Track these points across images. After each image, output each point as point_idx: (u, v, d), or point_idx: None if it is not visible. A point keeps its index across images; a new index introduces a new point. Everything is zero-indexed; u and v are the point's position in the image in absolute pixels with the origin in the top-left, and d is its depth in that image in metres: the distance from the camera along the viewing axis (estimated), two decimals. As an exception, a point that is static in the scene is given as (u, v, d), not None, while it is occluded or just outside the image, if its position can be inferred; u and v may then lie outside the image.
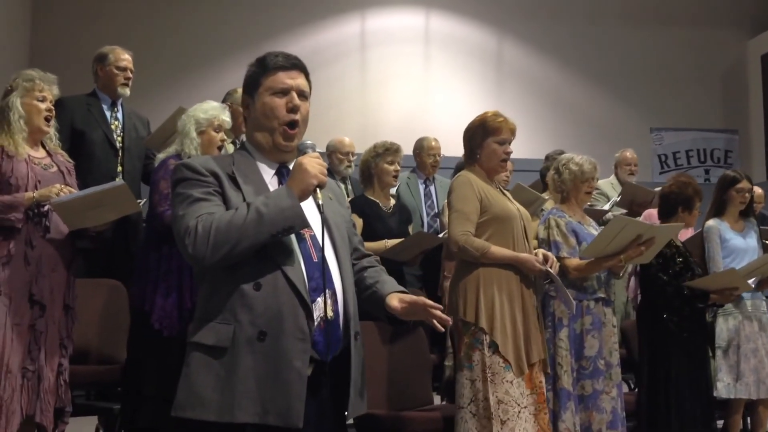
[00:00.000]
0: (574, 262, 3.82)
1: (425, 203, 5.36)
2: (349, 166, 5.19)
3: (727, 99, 9.38)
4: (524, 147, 7.73)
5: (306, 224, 1.93)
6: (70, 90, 4.23)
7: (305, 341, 1.88)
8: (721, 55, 9.35)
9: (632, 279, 5.54)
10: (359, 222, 4.10)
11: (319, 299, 1.94)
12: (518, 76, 9.04)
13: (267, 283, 1.90)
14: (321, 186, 1.96)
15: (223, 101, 4.70)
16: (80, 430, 4.08)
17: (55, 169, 3.36)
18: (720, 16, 9.40)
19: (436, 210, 5.36)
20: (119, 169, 4.34)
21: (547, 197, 4.61)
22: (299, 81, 2.08)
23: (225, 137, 3.74)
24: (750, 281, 4.21)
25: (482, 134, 3.53)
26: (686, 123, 9.25)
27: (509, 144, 3.56)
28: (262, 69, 2.07)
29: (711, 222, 4.56)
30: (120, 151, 4.38)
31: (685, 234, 4.87)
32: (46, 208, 3.22)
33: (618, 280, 4.08)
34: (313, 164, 1.95)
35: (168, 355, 3.32)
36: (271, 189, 2.02)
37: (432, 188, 5.48)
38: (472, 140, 3.57)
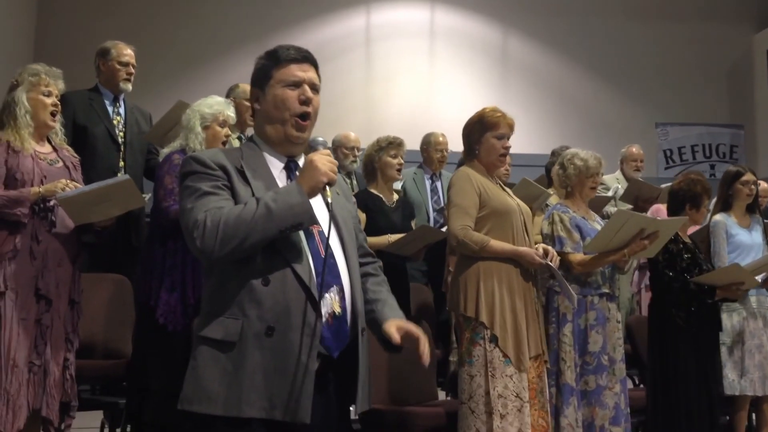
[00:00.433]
0: (578, 257, 3.82)
1: (431, 198, 5.36)
2: (354, 161, 5.19)
3: (733, 94, 9.35)
4: (529, 142, 7.75)
5: (314, 221, 1.93)
6: (75, 85, 4.22)
7: (313, 337, 1.88)
8: (726, 50, 9.32)
9: (636, 274, 5.54)
10: (362, 217, 4.10)
11: (327, 295, 1.94)
12: (523, 71, 9.03)
13: (275, 278, 1.90)
14: (331, 184, 1.95)
15: (227, 96, 4.70)
16: (86, 425, 4.10)
17: (60, 164, 3.37)
18: (726, 11, 9.36)
19: (443, 205, 5.36)
20: (121, 164, 4.34)
21: (552, 193, 4.61)
22: (311, 74, 2.07)
23: (229, 132, 3.74)
24: (757, 277, 4.20)
25: (480, 129, 3.54)
26: (692, 118, 9.23)
27: (508, 139, 3.57)
28: (273, 61, 2.06)
29: (718, 217, 4.55)
30: (122, 146, 4.38)
31: (691, 231, 4.87)
32: (51, 202, 3.22)
33: (623, 275, 4.08)
34: (324, 161, 1.94)
35: (173, 349, 3.34)
36: (280, 184, 2.02)
37: (438, 184, 5.48)
38: (470, 136, 3.58)
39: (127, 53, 4.50)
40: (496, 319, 3.34)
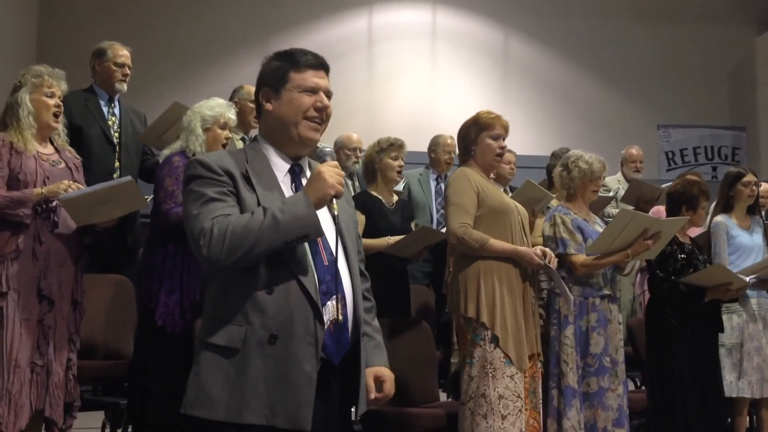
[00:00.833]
0: (581, 258, 3.82)
1: (436, 200, 5.36)
2: (357, 162, 5.19)
3: (735, 96, 9.34)
4: (530, 143, 7.75)
5: (321, 233, 1.93)
6: (78, 85, 4.24)
7: (315, 345, 1.90)
8: (729, 52, 9.31)
9: (639, 276, 5.54)
10: (362, 218, 4.10)
11: (329, 303, 1.95)
12: (524, 72, 9.03)
13: (279, 286, 1.91)
14: (338, 196, 1.96)
15: (231, 98, 4.70)
16: (87, 425, 4.10)
17: (63, 165, 3.38)
18: (728, 13, 9.36)
19: None
20: (116, 164, 4.31)
21: (554, 196, 4.61)
22: (326, 82, 2.10)
23: (230, 135, 3.75)
24: (750, 278, 4.21)
25: (476, 130, 3.57)
26: (694, 120, 9.22)
27: (503, 139, 3.59)
28: (291, 64, 2.06)
29: (719, 218, 4.56)
30: (117, 147, 4.34)
31: (695, 233, 4.87)
32: (54, 203, 3.23)
33: (624, 276, 4.08)
34: (332, 174, 1.95)
35: (174, 351, 3.34)
36: (284, 188, 2.03)
37: (443, 185, 5.48)
38: (466, 138, 3.61)
39: (123, 54, 4.46)
40: (497, 320, 3.34)
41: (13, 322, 3.11)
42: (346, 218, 2.10)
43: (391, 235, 4.06)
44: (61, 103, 3.40)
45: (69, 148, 3.51)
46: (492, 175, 3.74)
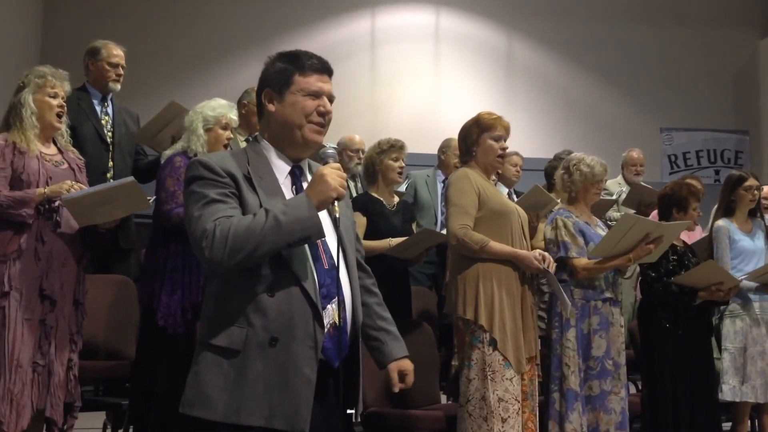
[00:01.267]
0: (583, 261, 3.82)
1: (441, 202, 5.35)
2: (359, 164, 5.19)
3: (738, 99, 9.33)
4: (533, 146, 7.74)
5: (322, 235, 1.94)
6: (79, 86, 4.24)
7: (315, 348, 1.91)
8: (732, 55, 9.30)
9: (640, 279, 5.53)
10: (363, 220, 4.10)
11: (329, 306, 1.97)
12: (528, 75, 9.02)
13: (280, 289, 1.92)
14: (339, 199, 1.97)
15: (240, 99, 4.70)
16: (88, 426, 4.11)
17: (65, 165, 3.38)
18: (731, 16, 9.35)
19: None
20: (110, 164, 4.28)
21: (558, 201, 4.61)
22: (330, 86, 2.11)
23: (231, 135, 3.75)
24: (741, 277, 4.22)
25: (477, 131, 3.57)
26: (697, 123, 9.21)
27: (504, 140, 3.59)
28: (296, 67, 2.07)
29: (720, 222, 4.55)
30: (111, 146, 4.30)
31: (693, 236, 4.87)
32: (56, 203, 3.24)
33: (625, 279, 4.09)
34: (334, 176, 1.96)
35: (176, 351, 3.35)
36: (285, 190, 2.04)
37: None
38: (467, 138, 3.61)
39: (117, 54, 4.40)
40: (496, 323, 3.34)
41: (15, 322, 3.11)
42: (345, 221, 2.10)
43: (392, 236, 4.06)
44: (64, 104, 3.40)
45: (72, 148, 3.52)
46: (493, 176, 3.74)
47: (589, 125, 8.85)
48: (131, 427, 3.84)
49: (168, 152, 3.72)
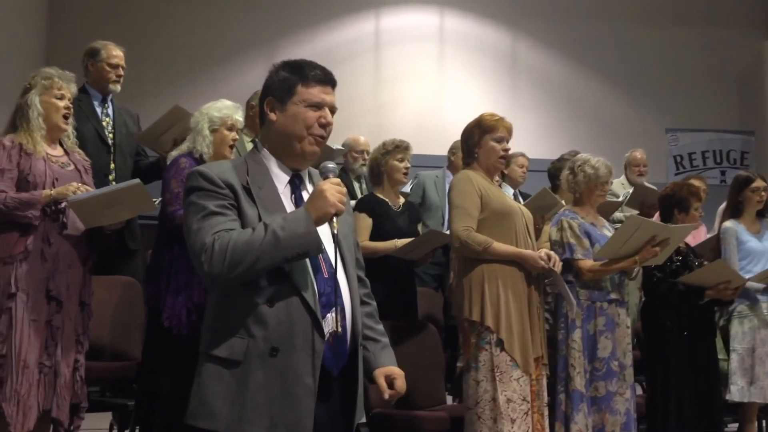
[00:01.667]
0: (588, 263, 3.82)
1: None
2: (364, 165, 5.20)
3: (744, 100, 9.31)
4: (538, 147, 7.72)
5: (321, 251, 1.95)
6: (86, 88, 4.24)
7: (315, 357, 1.92)
8: (737, 56, 9.28)
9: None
10: (368, 221, 4.11)
11: (329, 315, 1.97)
12: (532, 76, 9.02)
13: (280, 299, 1.93)
14: (338, 214, 1.96)
15: (249, 101, 4.70)
16: (94, 426, 4.11)
17: (72, 167, 3.39)
18: (736, 16, 9.33)
19: None
20: (112, 165, 4.25)
21: (564, 204, 4.61)
22: (332, 98, 2.11)
23: (237, 137, 3.75)
24: (748, 276, 4.21)
25: (479, 133, 3.57)
26: (702, 124, 9.19)
27: (507, 142, 3.58)
28: (299, 77, 2.07)
29: (728, 223, 4.55)
30: (112, 148, 4.28)
31: (698, 237, 4.86)
32: (63, 205, 3.24)
33: (631, 280, 4.08)
34: (333, 192, 1.95)
35: (181, 352, 3.35)
36: (284, 199, 2.04)
37: None
38: (469, 140, 3.61)
39: (117, 55, 4.36)
40: (502, 323, 3.34)
41: (22, 323, 3.12)
42: (344, 228, 2.10)
43: (398, 237, 4.06)
44: (70, 105, 3.41)
45: (78, 150, 3.52)
46: (497, 177, 3.74)
47: (594, 126, 8.84)
48: (137, 427, 3.85)
49: (174, 153, 3.73)
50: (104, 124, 4.34)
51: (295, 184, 2.09)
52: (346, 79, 8.33)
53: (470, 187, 3.47)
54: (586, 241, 3.86)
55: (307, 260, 1.97)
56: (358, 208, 4.17)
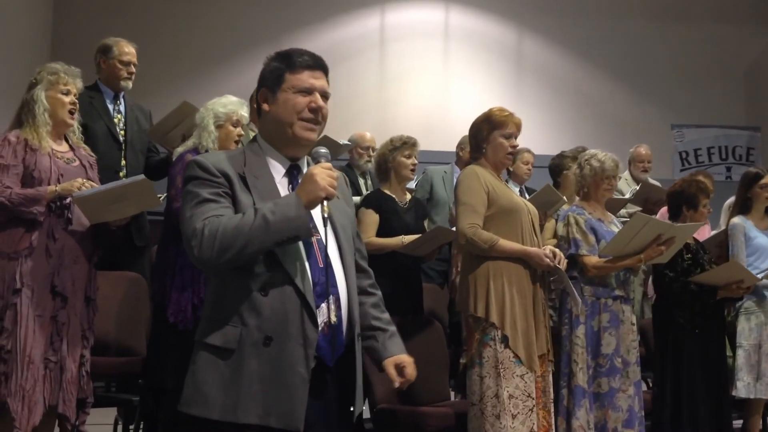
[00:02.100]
0: (594, 260, 3.81)
1: None
2: (369, 161, 5.19)
3: (750, 95, 9.27)
4: (543, 143, 7.71)
5: (311, 234, 1.95)
6: (90, 83, 4.24)
7: (309, 347, 1.92)
8: (743, 51, 9.24)
9: (651, 277, 5.52)
10: (375, 218, 4.11)
11: (324, 305, 1.97)
12: (538, 72, 9.00)
13: (274, 288, 1.93)
14: (329, 198, 1.96)
15: (253, 95, 4.70)
16: (99, 421, 4.13)
17: (77, 163, 3.39)
18: (742, 12, 9.29)
19: None
20: (123, 162, 4.29)
21: (566, 200, 4.61)
22: (322, 82, 2.09)
23: (242, 132, 3.76)
24: (760, 275, 4.20)
25: (488, 128, 3.55)
26: (708, 120, 9.16)
27: (515, 138, 3.57)
28: (287, 65, 2.07)
29: (736, 219, 4.55)
30: (123, 144, 4.31)
31: (702, 233, 4.85)
32: (68, 200, 3.25)
33: (635, 276, 4.08)
34: (324, 176, 1.95)
35: (186, 348, 3.35)
36: (281, 189, 2.05)
37: None
38: (477, 135, 3.59)
39: (129, 52, 4.39)
40: (507, 320, 3.34)
41: (27, 319, 3.13)
42: (342, 219, 2.11)
43: (405, 233, 4.07)
44: (76, 101, 3.41)
45: (84, 146, 3.52)
46: (503, 173, 3.73)
47: (599, 122, 8.82)
48: (142, 423, 3.86)
49: (179, 149, 3.73)
50: (116, 120, 4.36)
51: (293, 175, 2.09)
52: (351, 76, 8.46)
53: (477, 183, 3.46)
54: (592, 237, 3.85)
55: (302, 249, 1.97)
56: (365, 204, 4.18)
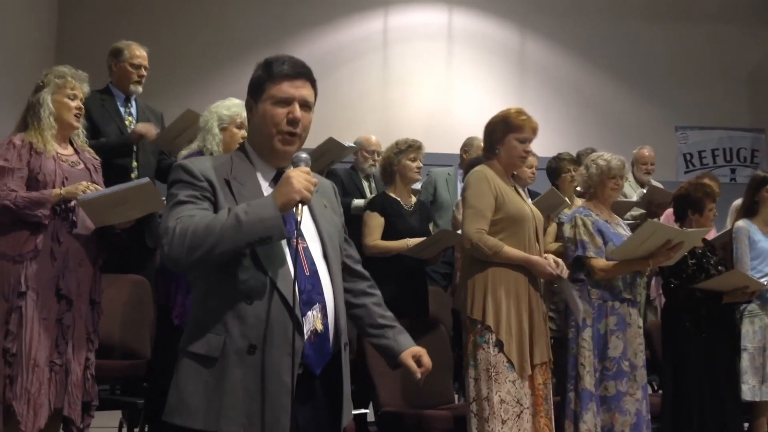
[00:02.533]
0: (601, 262, 3.81)
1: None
2: (374, 165, 5.19)
3: (754, 97, 9.25)
4: (546, 145, 7.67)
5: (284, 236, 1.91)
6: (97, 86, 4.25)
7: (295, 355, 1.89)
8: (747, 53, 9.22)
9: (654, 279, 5.51)
10: (380, 220, 4.11)
11: (310, 313, 1.95)
12: (541, 74, 8.99)
13: (259, 296, 1.91)
14: (304, 202, 1.92)
15: None
16: (104, 424, 4.13)
17: (82, 166, 3.40)
18: (746, 13, 9.27)
19: None
20: (134, 164, 4.31)
21: (570, 203, 4.61)
22: (303, 91, 2.04)
23: (246, 134, 3.76)
24: (763, 279, 4.19)
25: (504, 130, 3.52)
26: (712, 121, 9.14)
27: (530, 143, 3.55)
28: (267, 75, 2.06)
29: (741, 223, 4.54)
30: (135, 147, 4.32)
31: (711, 235, 4.84)
32: (72, 203, 3.25)
33: (642, 279, 4.08)
34: (300, 179, 1.92)
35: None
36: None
37: None
38: (492, 135, 3.56)
39: (140, 55, 4.43)
40: (502, 324, 3.34)
41: (32, 322, 3.13)
42: (330, 228, 2.09)
43: (410, 236, 4.07)
44: (82, 106, 3.41)
45: (88, 149, 3.53)
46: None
47: (603, 124, 8.80)
48: (147, 425, 3.86)
49: (184, 152, 3.75)
50: (127, 123, 4.39)
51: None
52: (354, 78, 8.46)
53: (486, 187, 3.44)
54: (599, 239, 3.85)
55: (288, 256, 1.95)
56: (370, 207, 4.20)
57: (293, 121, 2.02)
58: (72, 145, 3.45)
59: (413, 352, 2.15)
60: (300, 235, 1.95)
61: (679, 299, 4.08)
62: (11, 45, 6.81)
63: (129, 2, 8.39)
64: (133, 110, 4.45)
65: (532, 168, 5.31)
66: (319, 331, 1.96)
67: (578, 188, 4.89)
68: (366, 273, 2.25)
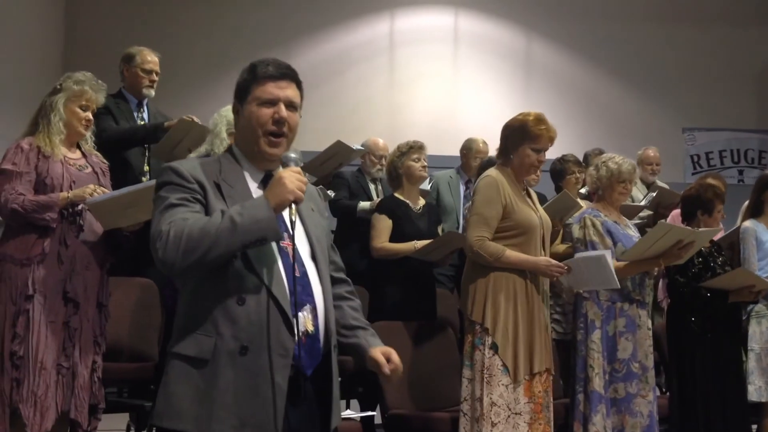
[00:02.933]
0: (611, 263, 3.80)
1: (463, 204, 5.33)
2: (381, 169, 5.17)
3: (761, 98, 9.22)
4: (552, 147, 7.70)
5: (279, 236, 1.91)
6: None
7: (286, 357, 1.89)
8: (754, 54, 9.19)
9: (662, 281, 5.49)
10: (388, 223, 4.11)
11: (301, 314, 1.94)
12: (547, 76, 8.98)
13: (250, 297, 1.90)
14: (297, 202, 1.93)
15: None
16: (111, 427, 4.13)
17: (89, 170, 3.41)
18: (753, 14, 9.24)
19: None
20: (146, 168, 4.34)
21: (583, 206, 4.59)
22: (288, 92, 2.03)
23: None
24: (765, 275, 4.18)
25: (521, 138, 3.48)
26: (719, 123, 9.11)
27: (545, 152, 3.53)
28: (252, 77, 2.05)
29: (747, 223, 4.54)
30: (146, 150, 4.36)
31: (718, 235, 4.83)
32: (80, 207, 3.26)
33: (651, 280, 4.07)
34: (292, 179, 1.91)
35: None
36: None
37: (472, 190, 5.44)
38: (508, 140, 3.53)
39: (151, 60, 4.48)
40: (499, 328, 3.34)
41: (39, 325, 3.14)
42: (317, 231, 2.08)
43: (418, 239, 4.08)
44: (92, 118, 3.42)
45: (96, 152, 3.54)
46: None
47: (609, 126, 8.78)
48: (154, 428, 3.86)
49: (192, 155, 3.74)
50: None
51: (268, 184, 2.04)
52: (360, 80, 8.47)
53: (496, 194, 3.42)
54: (609, 240, 3.84)
55: (279, 258, 1.94)
56: (378, 209, 4.21)
57: (279, 121, 2.00)
58: (80, 149, 3.46)
59: (383, 350, 2.12)
60: (290, 236, 1.94)
61: (684, 299, 4.07)
62: (17, 49, 6.83)
63: (136, 7, 8.42)
64: (145, 115, 4.50)
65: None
66: (310, 332, 1.95)
67: (582, 190, 4.88)
68: (348, 279, 2.24)
